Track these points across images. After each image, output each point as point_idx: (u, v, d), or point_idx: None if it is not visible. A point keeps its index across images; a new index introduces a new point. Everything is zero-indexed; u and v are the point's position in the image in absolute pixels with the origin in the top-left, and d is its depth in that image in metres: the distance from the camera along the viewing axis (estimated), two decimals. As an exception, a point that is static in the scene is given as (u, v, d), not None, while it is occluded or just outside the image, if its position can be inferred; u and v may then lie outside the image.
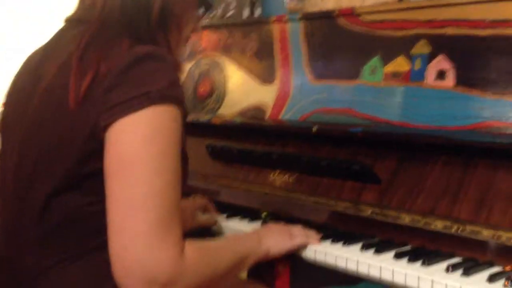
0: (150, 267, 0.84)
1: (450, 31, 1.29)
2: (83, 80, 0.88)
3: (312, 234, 1.22)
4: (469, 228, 1.11)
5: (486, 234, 1.09)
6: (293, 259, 1.21)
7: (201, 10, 1.10)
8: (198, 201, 1.44)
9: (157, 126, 0.87)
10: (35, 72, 1.00)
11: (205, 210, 1.44)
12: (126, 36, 0.93)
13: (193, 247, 0.91)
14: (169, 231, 0.86)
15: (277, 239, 1.16)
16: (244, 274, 1.29)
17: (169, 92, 0.89)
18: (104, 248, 0.87)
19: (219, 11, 2.22)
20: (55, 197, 0.91)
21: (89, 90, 0.88)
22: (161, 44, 0.97)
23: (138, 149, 0.85)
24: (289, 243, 1.17)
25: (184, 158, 0.94)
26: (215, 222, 1.41)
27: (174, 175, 0.88)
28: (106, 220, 0.87)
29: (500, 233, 1.08)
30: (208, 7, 1.11)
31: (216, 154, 1.66)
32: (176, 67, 0.95)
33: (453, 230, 1.13)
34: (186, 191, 1.57)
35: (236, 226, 1.38)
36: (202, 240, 1.00)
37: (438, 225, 1.15)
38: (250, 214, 1.44)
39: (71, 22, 1.03)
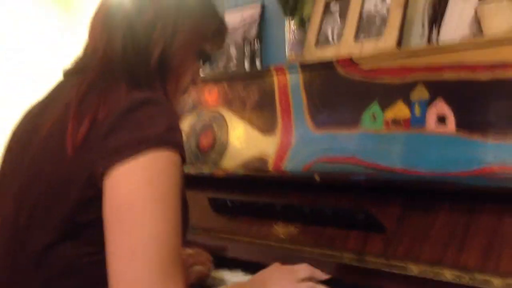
0: None
1: (448, 76, 1.28)
2: (81, 125, 0.88)
3: (318, 274, 1.18)
4: (478, 277, 1.07)
5: (496, 283, 1.05)
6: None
7: (200, 63, 1.11)
8: (197, 257, 1.41)
9: (156, 171, 0.86)
10: (34, 123, 1.00)
11: (200, 260, 1.42)
12: (125, 82, 0.93)
13: None
14: (171, 277, 0.84)
15: (282, 284, 1.12)
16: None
17: (168, 137, 0.88)
18: None
19: (220, 64, 2.24)
20: (52, 247, 0.89)
21: (87, 136, 0.87)
22: (159, 92, 0.97)
23: (137, 195, 0.84)
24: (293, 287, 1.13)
25: (184, 204, 0.93)
26: (209, 272, 1.38)
27: (175, 220, 0.86)
28: (105, 270, 0.85)
29: (511, 281, 1.04)
30: (207, 60, 1.11)
31: (218, 207, 1.64)
32: (175, 112, 0.94)
33: (463, 280, 1.09)
34: (188, 246, 1.56)
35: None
36: None
37: (447, 275, 1.11)
38: (254, 268, 1.40)
39: (69, 73, 1.03)
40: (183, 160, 0.92)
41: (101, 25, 1.01)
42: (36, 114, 1.02)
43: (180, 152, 0.90)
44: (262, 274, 1.14)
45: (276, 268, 1.18)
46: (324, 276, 1.17)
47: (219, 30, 1.12)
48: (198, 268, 1.39)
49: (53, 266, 0.90)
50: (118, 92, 0.91)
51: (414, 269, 1.16)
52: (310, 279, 1.17)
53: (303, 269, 1.18)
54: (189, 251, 1.42)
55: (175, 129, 0.91)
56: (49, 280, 0.90)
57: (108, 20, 1.00)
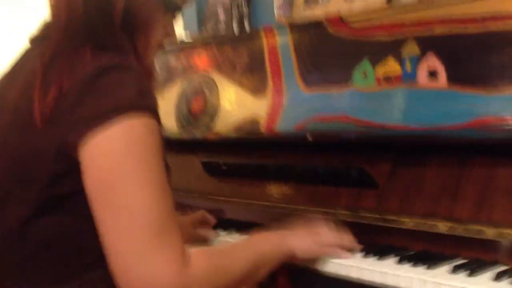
0: (156, 284, 0.82)
1: (438, 30, 1.27)
2: (47, 96, 0.85)
3: (346, 241, 1.15)
4: (471, 227, 1.09)
5: (489, 233, 1.07)
6: (293, 269, 1.18)
7: (171, 14, 1.05)
8: (195, 215, 1.42)
9: (132, 138, 0.83)
10: (1, 95, 0.97)
11: (203, 223, 1.42)
12: (89, 45, 0.89)
13: (200, 254, 0.88)
14: (167, 243, 0.83)
15: (303, 240, 1.09)
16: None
17: (139, 101, 0.85)
18: (90, 270, 0.85)
19: (209, 27, 2.22)
20: (32, 221, 0.87)
21: (54, 107, 0.84)
22: (127, 50, 0.93)
23: (117, 166, 0.82)
24: (318, 249, 1.10)
25: (167, 167, 0.90)
26: (215, 235, 1.38)
27: (161, 185, 0.85)
28: (89, 240, 0.84)
29: (504, 230, 1.06)
30: (177, 11, 1.05)
31: (212, 170, 1.65)
32: (145, 75, 0.91)
33: (456, 232, 1.11)
34: (183, 208, 1.57)
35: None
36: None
37: (441, 227, 1.13)
38: (250, 227, 1.42)
39: (35, 40, 0.99)
40: (159, 123, 0.89)
41: None
42: (4, 85, 0.99)
43: (155, 115, 0.87)
44: (282, 230, 1.12)
45: (298, 223, 1.14)
46: (355, 245, 1.15)
47: None
48: (204, 231, 1.39)
49: (35, 239, 0.88)
50: (83, 57, 0.87)
51: (407, 223, 1.17)
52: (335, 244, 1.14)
53: (328, 234, 1.14)
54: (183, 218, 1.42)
55: (146, 92, 0.87)
56: (32, 254, 0.89)
57: None
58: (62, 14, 0.93)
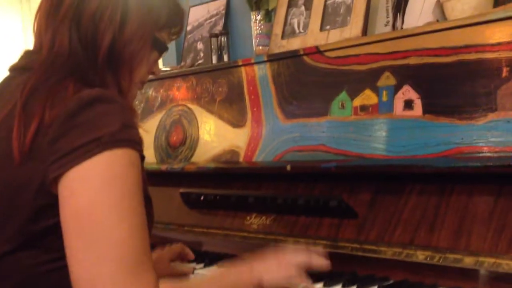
0: None
1: (413, 61, 1.29)
2: (27, 130, 0.83)
3: (315, 259, 1.08)
4: (450, 256, 1.09)
5: (467, 261, 1.07)
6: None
7: (157, 53, 1.04)
8: (174, 249, 1.39)
9: (113, 172, 0.82)
10: None
11: (182, 258, 1.39)
12: (73, 80, 0.88)
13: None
14: (142, 280, 0.81)
15: (270, 266, 1.04)
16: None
17: (122, 135, 0.83)
18: None
19: (188, 61, 2.23)
20: (10, 256, 0.85)
21: (34, 141, 0.83)
22: (111, 87, 0.93)
23: (94, 199, 0.80)
24: (288, 277, 1.04)
25: (147, 200, 0.90)
26: (193, 270, 1.36)
27: (138, 219, 0.83)
28: (67, 276, 0.82)
29: (482, 259, 1.06)
30: (163, 50, 1.05)
31: (191, 202, 1.63)
32: (128, 108, 0.90)
33: (434, 260, 1.10)
34: (162, 242, 1.54)
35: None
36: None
37: (419, 256, 1.13)
38: (229, 261, 1.40)
39: (16, 70, 0.98)
40: (142, 156, 0.89)
41: (45, 18, 0.95)
42: None
43: (137, 148, 0.86)
44: (251, 260, 1.08)
45: (267, 254, 1.09)
46: (324, 262, 1.08)
47: (174, 14, 1.03)
48: (182, 265, 1.36)
49: (13, 275, 0.86)
50: (66, 91, 0.85)
51: (386, 252, 1.17)
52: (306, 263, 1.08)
53: (294, 252, 1.09)
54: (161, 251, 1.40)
55: (129, 126, 0.86)
56: None
57: (52, 13, 0.94)
58: (46, 47, 0.92)
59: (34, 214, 0.84)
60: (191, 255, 1.40)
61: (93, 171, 0.81)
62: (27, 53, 0.98)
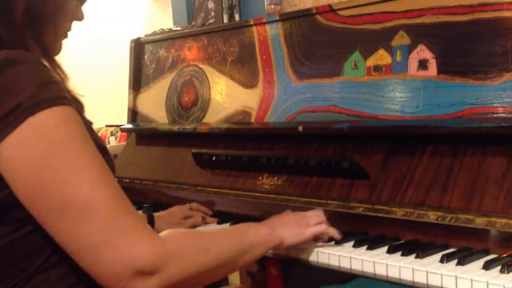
0: (133, 265, 0.78)
1: (428, 19, 1.27)
2: None
3: (330, 228, 1.14)
4: (461, 217, 1.09)
5: (479, 222, 1.07)
6: (285, 260, 1.18)
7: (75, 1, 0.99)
8: (198, 208, 1.41)
9: (47, 137, 0.77)
10: None
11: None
12: None
13: (178, 232, 0.86)
14: (127, 226, 0.79)
15: (292, 228, 1.07)
16: (237, 279, 1.26)
17: (42, 96, 0.78)
18: (46, 272, 0.82)
19: (199, 20, 2.21)
20: None
21: None
22: (32, 46, 0.88)
23: (42, 169, 0.77)
24: (307, 235, 1.09)
25: (101, 149, 0.85)
26: (203, 219, 1.38)
27: (97, 171, 0.80)
28: (34, 243, 0.81)
29: (493, 219, 1.06)
30: None
31: (203, 162, 1.64)
32: (41, 64, 0.84)
33: (446, 221, 1.11)
34: (175, 201, 1.56)
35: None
36: None
37: (431, 216, 1.13)
38: (242, 219, 1.41)
39: None
40: (72, 105, 0.82)
41: None
42: None
43: (65, 103, 0.81)
44: (274, 219, 1.10)
45: (287, 214, 1.13)
46: (336, 234, 1.14)
47: None
48: (192, 219, 1.38)
49: None
50: None
51: (398, 212, 1.17)
52: (321, 224, 1.13)
53: (315, 216, 1.14)
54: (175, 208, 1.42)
55: (48, 82, 0.80)
56: None
57: None
58: None
59: None
60: (209, 212, 1.42)
61: (25, 141, 0.77)
62: None
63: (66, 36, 0.99)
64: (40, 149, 0.77)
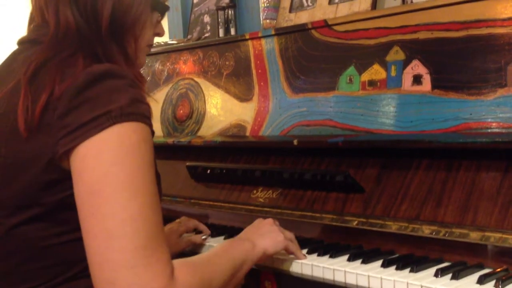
0: None
1: (422, 35, 1.28)
2: (35, 105, 0.83)
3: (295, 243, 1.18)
4: (456, 231, 1.09)
5: (473, 236, 1.07)
6: (279, 274, 1.18)
7: (158, 14, 1.04)
8: (187, 224, 1.40)
9: (124, 147, 0.81)
10: None
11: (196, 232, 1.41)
12: (82, 55, 0.87)
13: (183, 265, 0.87)
14: (155, 256, 0.81)
15: (271, 237, 1.12)
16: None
17: (132, 109, 0.83)
18: (77, 281, 0.83)
19: (195, 34, 2.22)
20: (16, 229, 0.86)
21: (43, 115, 0.82)
22: (117, 57, 0.92)
23: (106, 175, 0.80)
24: (283, 241, 1.13)
25: (158, 177, 0.90)
26: (203, 240, 1.37)
27: (150, 196, 0.83)
28: (77, 249, 0.82)
29: (488, 234, 1.06)
30: (164, 11, 1.05)
31: (198, 175, 1.64)
32: (137, 82, 0.89)
33: (440, 235, 1.11)
34: (169, 214, 1.56)
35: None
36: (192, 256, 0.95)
37: (425, 230, 1.13)
38: (236, 232, 1.41)
39: (24, 43, 0.98)
40: (152, 131, 0.88)
41: None
42: None
43: (147, 123, 0.86)
44: (247, 233, 1.13)
45: (259, 224, 1.16)
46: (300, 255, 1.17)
47: None
48: (188, 236, 1.38)
49: (20, 248, 0.87)
50: (75, 66, 0.85)
51: (392, 226, 1.17)
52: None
53: (271, 223, 1.17)
54: (172, 225, 1.41)
55: (138, 100, 0.85)
56: (15, 262, 0.87)
57: None
58: (52, 22, 0.92)
59: (42, 188, 0.84)
60: (207, 231, 1.41)
61: (104, 145, 0.81)
62: (36, 27, 0.98)
63: (149, 50, 1.04)
64: (114, 156, 0.81)
